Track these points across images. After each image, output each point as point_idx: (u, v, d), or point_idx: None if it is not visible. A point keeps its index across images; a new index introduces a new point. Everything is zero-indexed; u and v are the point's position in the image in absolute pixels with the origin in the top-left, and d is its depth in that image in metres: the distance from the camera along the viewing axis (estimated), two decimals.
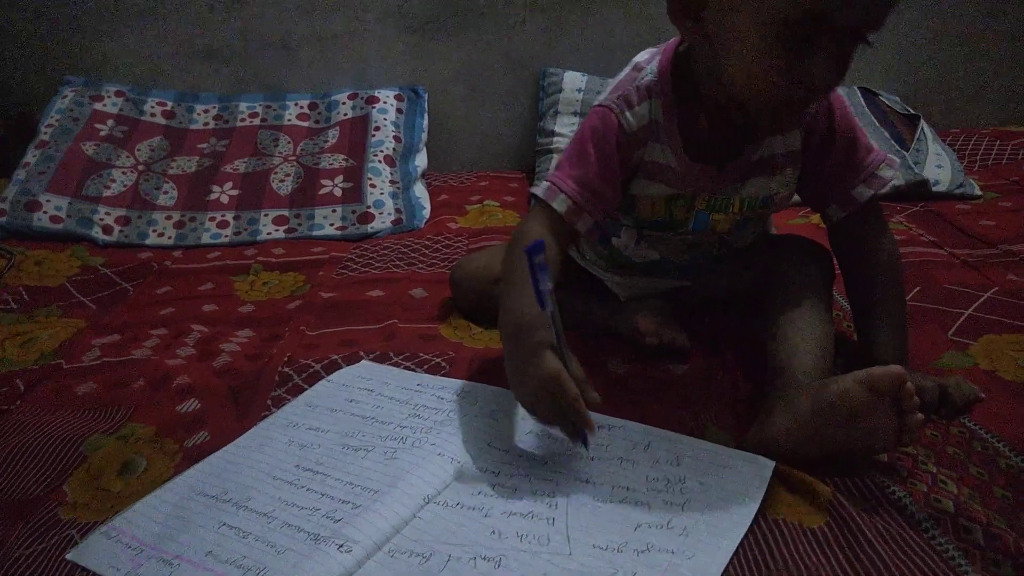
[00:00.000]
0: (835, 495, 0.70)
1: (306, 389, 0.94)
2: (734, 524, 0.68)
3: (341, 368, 0.98)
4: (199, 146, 1.75)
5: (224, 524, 0.70)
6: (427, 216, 1.64)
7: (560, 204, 0.87)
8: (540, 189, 0.89)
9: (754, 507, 0.70)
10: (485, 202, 1.71)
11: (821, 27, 0.69)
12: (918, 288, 1.14)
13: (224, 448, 0.82)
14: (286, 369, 0.99)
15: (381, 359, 1.01)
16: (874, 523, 0.68)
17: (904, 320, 0.90)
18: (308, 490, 0.74)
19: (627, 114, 0.87)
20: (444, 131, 1.99)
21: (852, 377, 0.72)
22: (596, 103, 0.90)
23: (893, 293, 0.91)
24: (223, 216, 1.58)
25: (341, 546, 0.65)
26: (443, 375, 0.97)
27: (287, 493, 0.74)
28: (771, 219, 1.08)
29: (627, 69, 0.91)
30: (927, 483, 0.73)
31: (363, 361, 1.00)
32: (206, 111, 1.84)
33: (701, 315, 1.07)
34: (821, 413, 0.73)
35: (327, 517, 0.70)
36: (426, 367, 0.99)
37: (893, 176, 0.92)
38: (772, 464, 0.74)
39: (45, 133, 1.68)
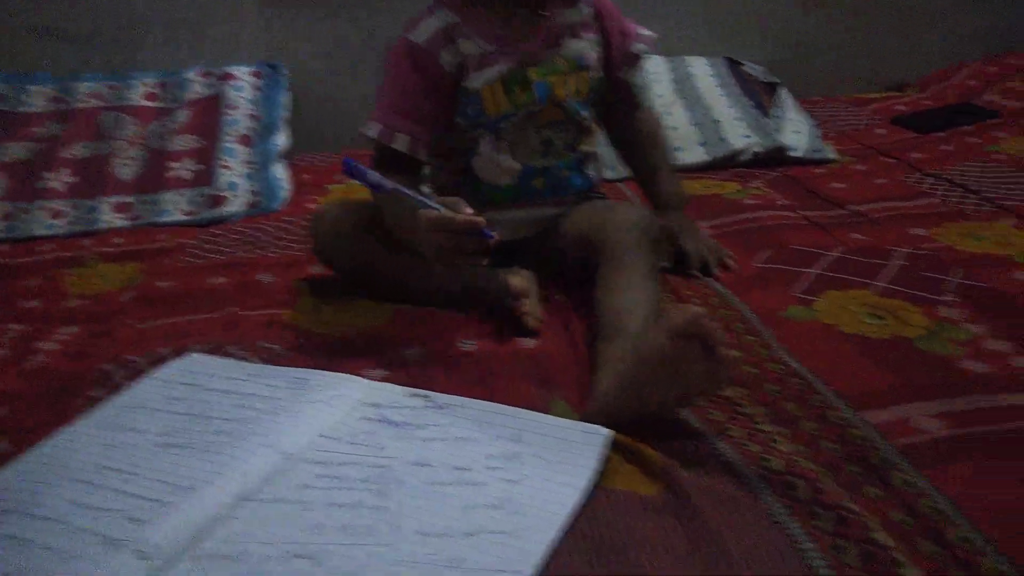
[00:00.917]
0: (667, 461, 0.69)
1: (127, 387, 0.86)
2: (565, 498, 0.66)
3: (168, 363, 0.91)
4: (33, 131, 1.60)
5: (5, 536, 0.63)
6: (286, 197, 1.57)
7: (371, 131, 1.01)
8: (363, 125, 1.02)
9: (587, 479, 0.68)
10: (350, 181, 1.63)
11: None
12: (770, 251, 1.15)
13: (20, 457, 0.74)
14: (107, 367, 0.91)
15: (216, 350, 0.94)
16: (706, 487, 0.67)
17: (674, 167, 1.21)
18: (111, 490, 0.67)
19: (414, 33, 1.00)
20: (308, 109, 1.90)
21: (659, 328, 0.72)
22: None
23: (665, 147, 1.21)
24: (57, 205, 1.46)
25: (140, 552, 0.59)
26: (283, 364, 0.91)
27: (83, 495, 0.67)
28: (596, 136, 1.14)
29: None
30: (760, 443, 0.72)
31: (191, 354, 0.93)
32: (41, 93, 1.69)
33: (552, 289, 1.06)
34: (640, 371, 0.73)
35: (128, 518, 0.63)
36: (266, 356, 0.94)
37: (652, 35, 1.13)
38: (607, 433, 0.72)
39: None
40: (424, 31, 0.99)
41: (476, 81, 1.01)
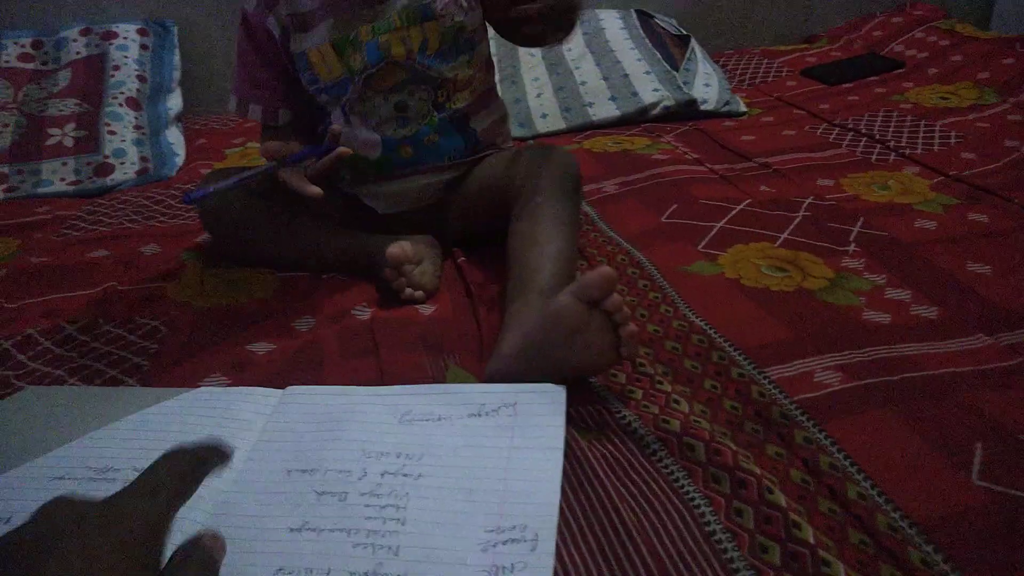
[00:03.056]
0: (566, 428, 0.66)
1: None
2: (550, 463, 0.61)
3: (39, 344, 0.83)
4: None
5: None
6: (180, 163, 1.48)
7: (230, 105, 1.01)
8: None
9: (560, 439, 0.63)
10: (248, 144, 1.56)
11: None
12: (675, 205, 1.13)
13: None
14: None
15: (88, 329, 0.88)
16: (603, 452, 0.65)
17: None
18: None
19: (246, 0, 0.95)
20: (203, 68, 1.80)
21: (568, 290, 0.69)
22: None
23: None
24: None
25: None
26: (158, 340, 0.85)
27: None
28: (491, 75, 1.04)
29: None
30: (660, 403, 0.70)
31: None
32: None
33: (456, 253, 1.02)
34: (544, 330, 0.69)
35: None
36: (141, 332, 0.87)
37: None
38: (559, 389, 0.68)
39: None
40: None
41: (300, 44, 0.94)
